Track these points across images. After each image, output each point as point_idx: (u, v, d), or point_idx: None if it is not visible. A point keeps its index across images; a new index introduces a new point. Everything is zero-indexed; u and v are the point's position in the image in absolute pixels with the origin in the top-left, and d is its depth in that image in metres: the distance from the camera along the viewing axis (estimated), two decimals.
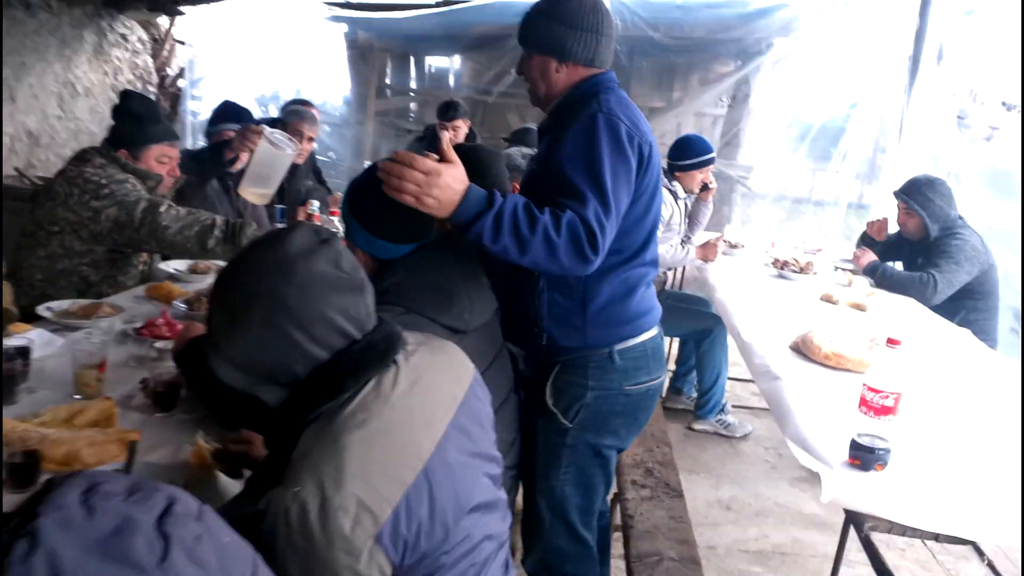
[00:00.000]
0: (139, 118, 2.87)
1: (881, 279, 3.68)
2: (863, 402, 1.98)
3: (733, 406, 4.24)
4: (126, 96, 2.94)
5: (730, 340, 3.75)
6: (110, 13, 5.68)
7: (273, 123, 4.27)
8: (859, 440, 1.68)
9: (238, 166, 3.30)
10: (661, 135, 5.79)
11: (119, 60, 5.92)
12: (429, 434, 1.16)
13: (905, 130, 5.17)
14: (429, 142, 4.94)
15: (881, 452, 1.66)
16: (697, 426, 4.06)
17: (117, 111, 2.89)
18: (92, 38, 5.58)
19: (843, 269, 3.83)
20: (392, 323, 1.26)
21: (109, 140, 2.87)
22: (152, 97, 6.30)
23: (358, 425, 1.09)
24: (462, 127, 4.81)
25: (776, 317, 3.07)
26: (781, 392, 2.28)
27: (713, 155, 4.00)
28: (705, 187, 4.03)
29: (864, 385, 1.98)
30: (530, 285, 1.94)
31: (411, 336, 1.30)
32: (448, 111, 4.77)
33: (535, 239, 1.61)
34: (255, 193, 2.98)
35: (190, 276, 3.09)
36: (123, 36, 5.92)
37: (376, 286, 1.78)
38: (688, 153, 3.94)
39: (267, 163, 2.96)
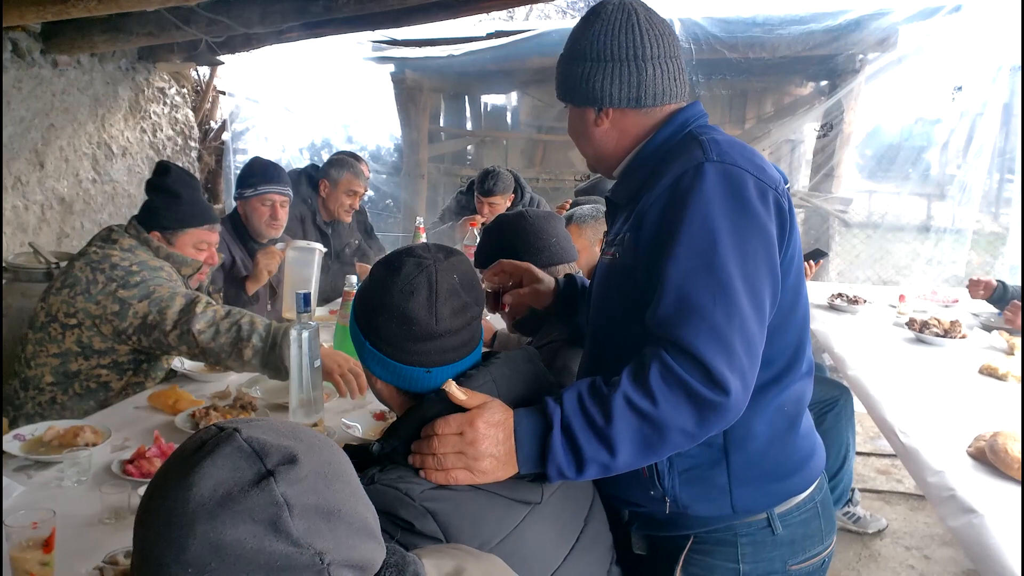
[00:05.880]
0: (177, 197, 2.46)
1: None
2: None
3: (859, 490, 3.53)
4: (163, 170, 2.51)
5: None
6: (146, 67, 5.34)
7: (314, 174, 3.80)
8: None
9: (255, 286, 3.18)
10: None
11: (158, 115, 5.58)
12: None
13: None
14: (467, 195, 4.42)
15: None
16: None
17: (152, 186, 2.49)
18: (128, 94, 5.24)
19: (997, 328, 3.11)
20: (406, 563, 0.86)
21: (139, 219, 2.46)
22: (195, 152, 5.96)
23: None
24: (500, 204, 4.11)
25: (934, 404, 2.40)
26: (987, 536, 1.65)
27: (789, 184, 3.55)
28: None
29: None
30: None
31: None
32: (485, 183, 4.06)
33: (622, 428, 1.12)
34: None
35: (204, 375, 2.49)
36: (161, 90, 5.58)
37: (401, 438, 1.22)
38: None
39: (301, 276, 2.91)
